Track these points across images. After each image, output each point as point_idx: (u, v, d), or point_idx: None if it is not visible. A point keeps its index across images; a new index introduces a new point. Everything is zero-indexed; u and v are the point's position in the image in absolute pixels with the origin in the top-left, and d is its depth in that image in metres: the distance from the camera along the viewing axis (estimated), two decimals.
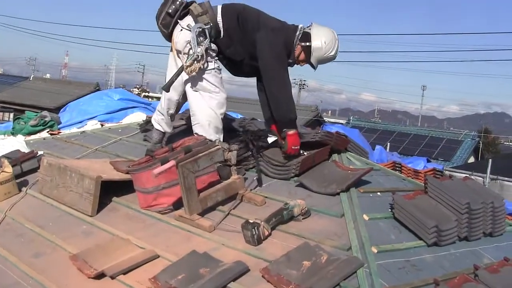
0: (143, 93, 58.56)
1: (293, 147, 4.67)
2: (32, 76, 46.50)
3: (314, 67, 5.08)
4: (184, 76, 4.94)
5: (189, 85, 4.97)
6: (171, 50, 5.11)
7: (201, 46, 4.74)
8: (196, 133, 4.91)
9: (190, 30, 4.77)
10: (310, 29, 5.01)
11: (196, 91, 4.93)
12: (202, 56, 4.75)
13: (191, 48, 4.75)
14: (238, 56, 5.04)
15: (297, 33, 4.97)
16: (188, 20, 4.87)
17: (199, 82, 4.89)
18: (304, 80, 63.38)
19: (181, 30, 4.86)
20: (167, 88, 4.93)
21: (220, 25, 4.88)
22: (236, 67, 5.17)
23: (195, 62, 4.73)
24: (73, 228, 4.19)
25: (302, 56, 5.02)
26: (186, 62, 4.74)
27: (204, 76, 4.89)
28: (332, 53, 5.02)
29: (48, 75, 66.92)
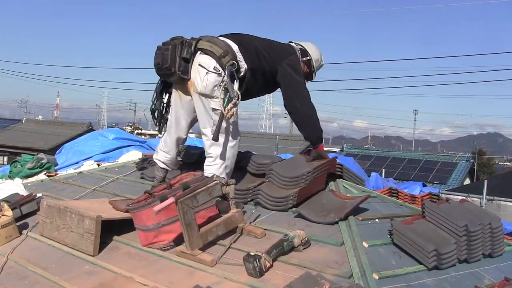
0: (136, 131, 58.69)
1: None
2: (24, 118, 46.63)
3: (313, 78, 5.52)
4: (199, 117, 4.95)
5: (206, 126, 4.90)
6: (176, 90, 5.07)
7: (235, 89, 4.73)
8: (207, 172, 4.86)
9: (217, 73, 4.70)
10: (298, 45, 5.39)
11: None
12: (239, 98, 4.75)
13: (226, 92, 4.68)
14: (261, 87, 5.22)
15: (298, 52, 5.29)
16: (207, 60, 4.76)
17: (223, 125, 4.79)
18: None
19: (207, 73, 4.72)
20: (216, 137, 4.75)
21: (241, 63, 4.86)
22: (249, 96, 5.21)
23: (234, 105, 4.70)
24: (76, 269, 4.20)
25: (307, 70, 5.36)
26: (226, 106, 4.66)
27: (228, 119, 4.81)
28: (323, 62, 5.55)
29: (40, 117, 67.08)
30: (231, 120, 4.82)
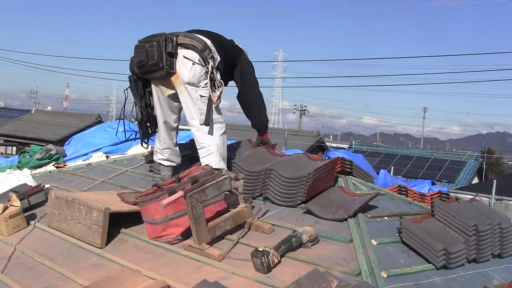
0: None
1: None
2: (33, 109, 46.62)
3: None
4: (185, 109, 5.08)
5: (194, 117, 5.00)
6: (156, 85, 5.16)
7: (218, 78, 4.98)
8: (206, 164, 4.89)
9: (201, 65, 4.89)
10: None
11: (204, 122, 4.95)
12: (223, 86, 5.04)
13: (211, 81, 4.92)
14: (227, 79, 5.44)
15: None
16: (191, 53, 4.93)
17: (210, 115, 4.96)
18: (305, 106, 63.59)
19: (194, 64, 4.89)
20: (207, 122, 4.93)
21: (215, 56, 5.06)
22: None
23: (220, 93, 4.97)
24: (83, 260, 4.20)
25: None
26: (215, 94, 4.92)
27: (215, 107, 5.01)
28: None
29: (49, 108, 67.08)
30: (217, 109, 5.05)
